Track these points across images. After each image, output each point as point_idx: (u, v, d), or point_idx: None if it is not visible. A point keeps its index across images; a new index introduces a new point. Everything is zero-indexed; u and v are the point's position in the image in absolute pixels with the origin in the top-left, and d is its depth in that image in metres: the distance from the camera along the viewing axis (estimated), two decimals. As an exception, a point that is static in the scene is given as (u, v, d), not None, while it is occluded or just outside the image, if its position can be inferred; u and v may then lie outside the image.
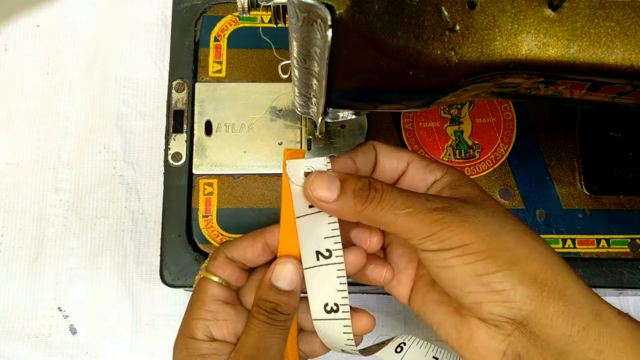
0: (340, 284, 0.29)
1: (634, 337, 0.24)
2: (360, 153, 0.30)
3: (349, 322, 0.29)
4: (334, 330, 0.30)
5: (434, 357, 0.33)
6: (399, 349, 0.32)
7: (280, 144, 0.42)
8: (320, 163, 0.29)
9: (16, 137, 0.49)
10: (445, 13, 0.24)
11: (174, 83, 0.43)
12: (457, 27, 0.24)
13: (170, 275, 0.40)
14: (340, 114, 0.33)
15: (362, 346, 0.33)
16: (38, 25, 0.51)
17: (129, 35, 0.51)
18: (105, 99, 0.50)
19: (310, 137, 0.42)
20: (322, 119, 0.32)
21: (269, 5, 0.27)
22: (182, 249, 0.40)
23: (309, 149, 0.42)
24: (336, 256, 0.29)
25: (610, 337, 0.24)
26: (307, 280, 0.30)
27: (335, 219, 0.29)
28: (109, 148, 0.49)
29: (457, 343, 0.27)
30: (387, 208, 0.26)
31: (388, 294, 0.46)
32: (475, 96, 0.30)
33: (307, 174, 0.29)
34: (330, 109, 0.30)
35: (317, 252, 0.29)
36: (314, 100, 0.31)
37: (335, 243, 0.29)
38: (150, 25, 0.51)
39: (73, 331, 0.46)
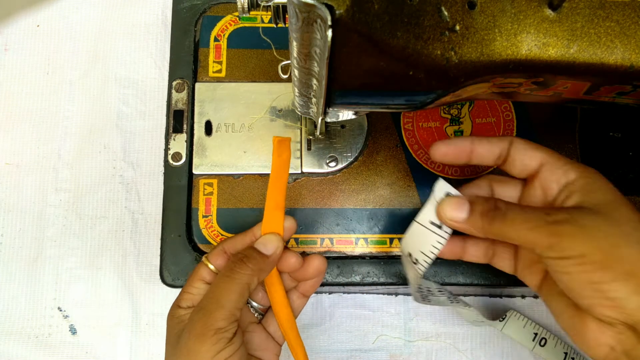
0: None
1: None
2: (495, 141, 0.34)
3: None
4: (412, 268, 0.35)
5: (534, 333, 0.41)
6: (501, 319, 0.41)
7: (280, 144, 0.42)
8: (456, 192, 0.33)
9: (16, 137, 0.49)
10: (445, 13, 0.24)
11: (174, 83, 0.43)
12: (457, 27, 0.24)
13: (170, 275, 0.40)
14: (340, 114, 0.33)
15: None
16: (38, 25, 0.51)
17: (129, 35, 0.51)
18: (105, 99, 0.50)
19: (310, 137, 0.42)
20: (322, 119, 0.32)
21: (269, 5, 0.27)
22: (182, 249, 0.40)
23: (309, 149, 0.42)
24: (420, 267, 0.34)
25: None
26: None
27: (440, 247, 0.33)
28: (109, 148, 0.49)
29: (571, 332, 0.30)
30: (509, 224, 0.29)
31: (388, 294, 0.46)
32: (475, 96, 0.30)
33: (447, 195, 0.33)
34: (330, 109, 0.30)
35: (409, 254, 0.34)
36: (314, 100, 0.31)
37: (424, 261, 0.33)
38: (150, 25, 0.51)
39: (73, 331, 0.46)
